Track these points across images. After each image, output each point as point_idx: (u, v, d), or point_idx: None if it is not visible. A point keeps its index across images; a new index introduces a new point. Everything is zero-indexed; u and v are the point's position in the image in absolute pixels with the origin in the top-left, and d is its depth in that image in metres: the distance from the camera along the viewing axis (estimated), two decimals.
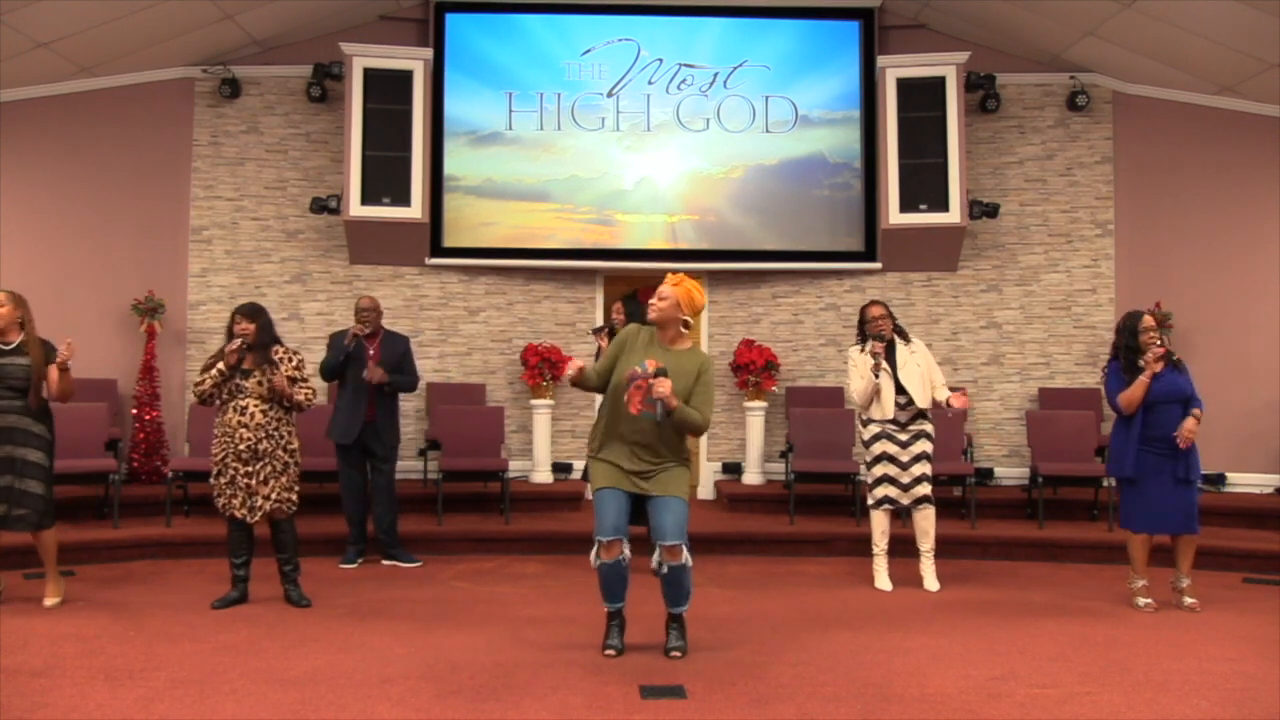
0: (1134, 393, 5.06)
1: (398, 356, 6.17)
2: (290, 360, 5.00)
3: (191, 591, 5.28)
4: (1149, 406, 5.05)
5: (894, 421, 5.50)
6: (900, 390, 5.47)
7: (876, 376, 5.45)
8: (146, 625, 4.57)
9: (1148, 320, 5.15)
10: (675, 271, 4.22)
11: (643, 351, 4.06)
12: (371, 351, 6.11)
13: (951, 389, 5.63)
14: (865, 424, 5.61)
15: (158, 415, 7.77)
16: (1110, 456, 5.28)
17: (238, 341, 4.90)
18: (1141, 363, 5.03)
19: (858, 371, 5.59)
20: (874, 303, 5.69)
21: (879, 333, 5.51)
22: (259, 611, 4.86)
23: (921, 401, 5.47)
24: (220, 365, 4.90)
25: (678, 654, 4.12)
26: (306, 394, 5.01)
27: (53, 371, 4.89)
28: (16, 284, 7.06)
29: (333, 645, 4.28)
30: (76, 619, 4.66)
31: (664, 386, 3.86)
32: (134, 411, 7.74)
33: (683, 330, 4.12)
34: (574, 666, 3.99)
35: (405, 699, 3.60)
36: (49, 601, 4.87)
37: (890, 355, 5.51)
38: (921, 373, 5.49)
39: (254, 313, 5.03)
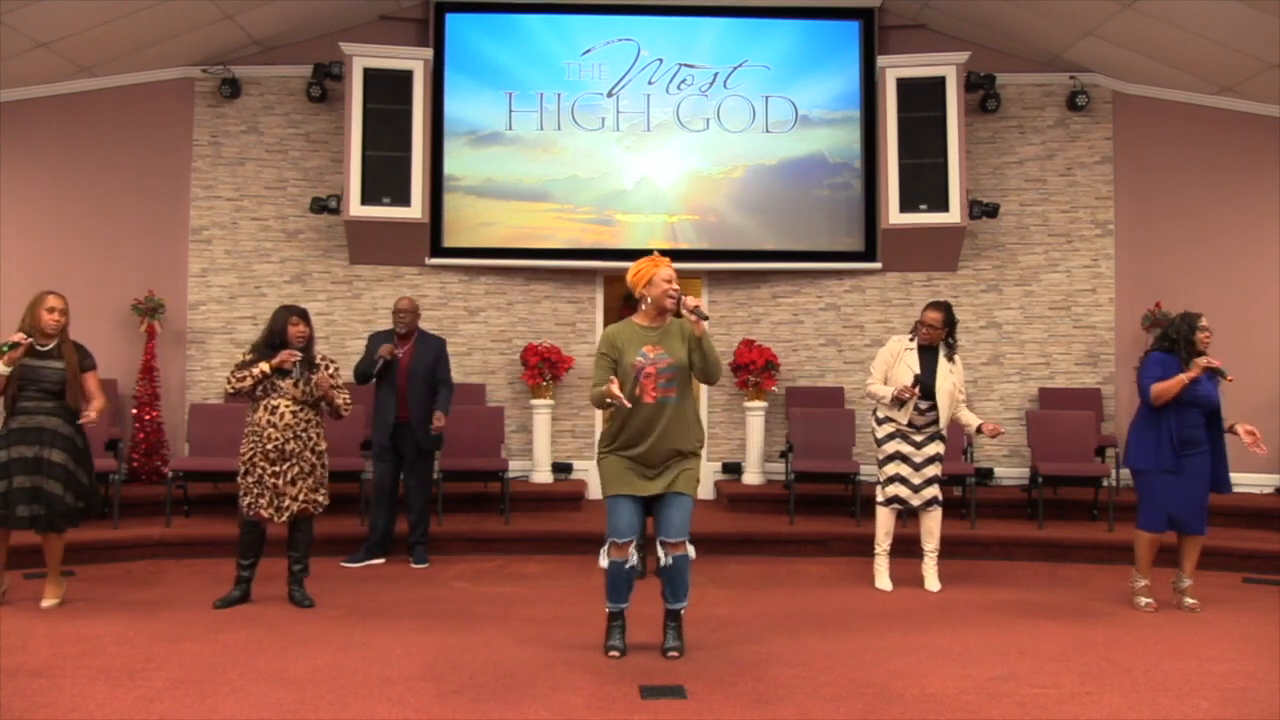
0: (1170, 388, 5.05)
1: (432, 359, 6.19)
2: (328, 368, 5.02)
3: (191, 591, 5.28)
4: (1182, 405, 5.05)
5: (911, 424, 5.50)
6: (929, 396, 5.44)
7: (898, 409, 5.44)
8: (146, 625, 4.57)
9: (1205, 323, 5.15)
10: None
11: (636, 343, 4.11)
12: (401, 353, 6.14)
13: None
14: (880, 422, 5.58)
15: (158, 415, 7.77)
16: (1131, 448, 5.23)
17: (296, 354, 4.90)
18: (1200, 360, 5.02)
19: (881, 368, 5.55)
20: (934, 306, 5.56)
21: (929, 341, 5.47)
22: (259, 611, 4.86)
23: (945, 421, 5.45)
24: (264, 367, 4.87)
25: (675, 654, 4.13)
26: (344, 399, 5.03)
27: (91, 380, 4.96)
28: (16, 284, 7.08)
29: (333, 645, 4.28)
30: (76, 619, 4.66)
31: (695, 300, 4.03)
32: (134, 411, 7.74)
33: (665, 311, 4.14)
34: (574, 666, 3.99)
35: (405, 699, 3.60)
36: (46, 603, 4.86)
37: (932, 362, 5.47)
38: (954, 393, 5.46)
39: (309, 317, 5.06)
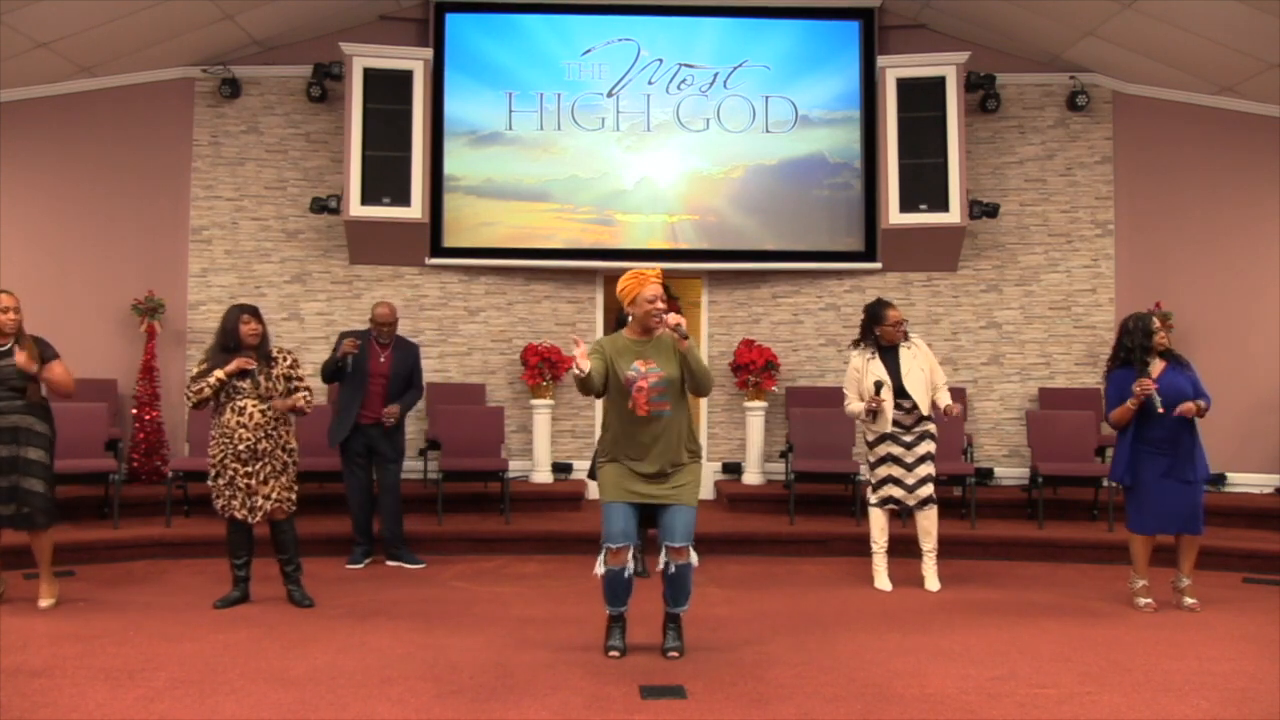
0: (1122, 415, 5.07)
1: (409, 368, 6.18)
2: (286, 359, 5.00)
3: (191, 591, 5.28)
4: (1146, 414, 5.03)
5: (898, 424, 5.50)
6: (904, 395, 5.46)
7: (874, 420, 5.46)
8: (146, 625, 4.57)
9: (1158, 322, 5.15)
10: (662, 270, 4.24)
11: (628, 356, 4.10)
12: (383, 359, 6.11)
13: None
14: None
15: (158, 415, 7.77)
16: (1114, 461, 5.27)
17: (250, 362, 4.86)
18: (1135, 387, 4.99)
19: (854, 386, 5.58)
20: (890, 306, 5.60)
21: (895, 341, 5.49)
22: (259, 611, 4.86)
23: (925, 408, 5.47)
24: (220, 374, 4.84)
25: (675, 654, 4.14)
26: (305, 398, 5.00)
27: (57, 366, 4.89)
28: (16, 284, 7.05)
29: (333, 645, 4.28)
30: (76, 619, 4.67)
31: (675, 319, 3.98)
32: (134, 411, 7.74)
33: (653, 321, 4.07)
34: (574, 666, 3.99)
35: (405, 699, 3.60)
36: (44, 603, 4.87)
37: (894, 360, 5.49)
38: (925, 377, 5.47)
39: (260, 314, 5.03)
